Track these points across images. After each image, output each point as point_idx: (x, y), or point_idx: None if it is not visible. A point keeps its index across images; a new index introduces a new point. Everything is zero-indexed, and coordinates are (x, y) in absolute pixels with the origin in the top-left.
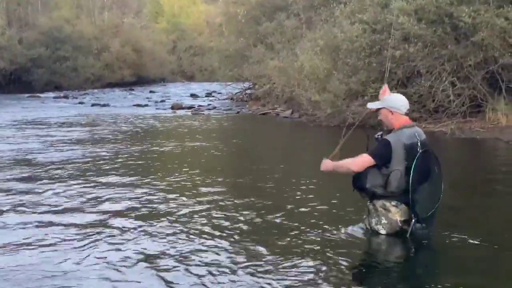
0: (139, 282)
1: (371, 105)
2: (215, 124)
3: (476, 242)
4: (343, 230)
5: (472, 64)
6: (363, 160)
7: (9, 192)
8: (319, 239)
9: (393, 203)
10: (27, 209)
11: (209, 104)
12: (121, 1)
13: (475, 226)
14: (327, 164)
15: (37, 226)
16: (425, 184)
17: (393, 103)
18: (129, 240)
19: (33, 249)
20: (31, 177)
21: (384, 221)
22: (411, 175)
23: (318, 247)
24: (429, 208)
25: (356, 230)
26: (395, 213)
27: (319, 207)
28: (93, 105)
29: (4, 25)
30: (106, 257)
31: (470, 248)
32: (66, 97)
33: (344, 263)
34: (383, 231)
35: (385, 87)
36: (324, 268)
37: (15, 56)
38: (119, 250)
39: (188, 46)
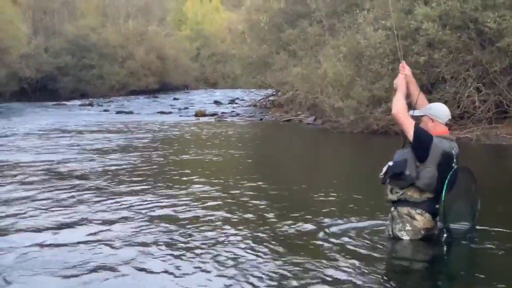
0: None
1: (416, 113)
2: (238, 131)
3: (502, 249)
4: (365, 235)
5: (497, 69)
6: (408, 121)
7: (40, 202)
8: (341, 243)
9: (418, 211)
10: (58, 218)
11: (232, 111)
12: (145, 9)
13: (501, 232)
14: (400, 79)
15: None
16: (460, 200)
17: (434, 111)
18: (159, 248)
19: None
20: (60, 187)
21: (408, 227)
22: (444, 190)
23: (341, 251)
24: (466, 223)
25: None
26: (420, 221)
27: (341, 212)
28: (118, 112)
29: (31, 34)
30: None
31: (495, 255)
32: (91, 104)
33: (367, 268)
34: (406, 237)
35: (403, 63)
36: (346, 272)
37: (41, 64)
38: (145, 263)
39: (211, 53)
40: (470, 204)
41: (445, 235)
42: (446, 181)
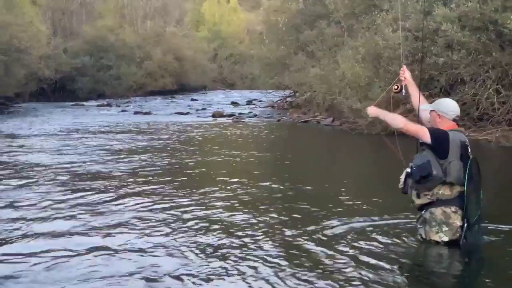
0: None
1: (424, 107)
2: (256, 132)
3: None
4: (393, 239)
5: None
6: (419, 127)
7: (61, 204)
8: (367, 247)
9: (453, 208)
10: (80, 220)
11: (249, 112)
12: (163, 10)
13: None
14: (372, 109)
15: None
16: (474, 191)
17: (443, 107)
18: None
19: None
20: (81, 189)
21: (445, 228)
22: (465, 181)
23: (368, 255)
24: (475, 214)
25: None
26: (455, 218)
27: (363, 216)
28: (135, 113)
29: (50, 34)
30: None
31: None
32: (109, 105)
33: (397, 273)
34: (445, 238)
35: (404, 67)
36: (375, 276)
37: (60, 65)
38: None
39: (229, 54)
40: (478, 195)
41: (465, 227)
42: (467, 172)
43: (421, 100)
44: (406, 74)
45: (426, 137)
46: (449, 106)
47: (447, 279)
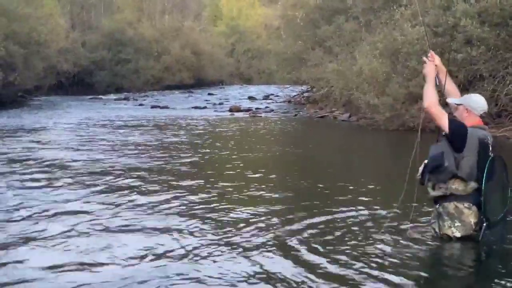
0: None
1: (452, 101)
2: (272, 127)
3: None
4: (408, 234)
5: None
6: (440, 112)
7: (79, 201)
8: (383, 243)
9: (466, 204)
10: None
11: (266, 107)
12: (181, 5)
13: None
14: (428, 67)
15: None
16: (496, 189)
17: (471, 103)
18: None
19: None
20: (97, 184)
21: (457, 223)
22: (483, 179)
23: (384, 251)
24: (499, 213)
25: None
26: (468, 215)
27: (380, 211)
28: (152, 107)
29: (68, 28)
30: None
31: None
32: (126, 99)
33: (412, 268)
34: (458, 234)
35: (431, 52)
36: (391, 272)
37: (79, 58)
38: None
39: (246, 49)
40: (504, 194)
41: (484, 226)
42: (485, 170)
43: (452, 91)
44: (436, 61)
45: (444, 125)
46: (478, 102)
47: (463, 275)
